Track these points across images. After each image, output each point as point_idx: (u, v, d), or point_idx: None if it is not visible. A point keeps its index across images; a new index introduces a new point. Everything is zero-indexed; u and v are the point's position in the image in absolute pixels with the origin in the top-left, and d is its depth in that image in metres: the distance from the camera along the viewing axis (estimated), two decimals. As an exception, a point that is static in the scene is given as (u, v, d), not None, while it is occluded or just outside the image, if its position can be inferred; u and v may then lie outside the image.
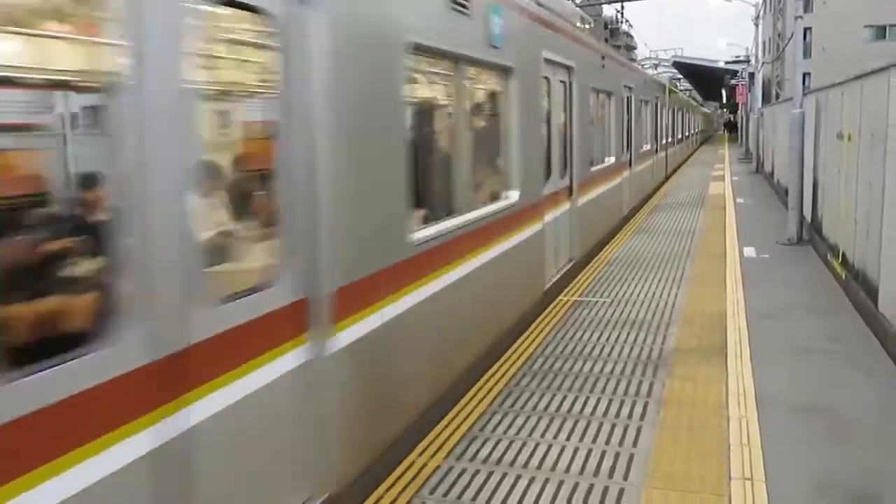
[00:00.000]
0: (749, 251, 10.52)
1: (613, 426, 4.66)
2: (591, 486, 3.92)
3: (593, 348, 6.27)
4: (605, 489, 3.89)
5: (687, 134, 33.27)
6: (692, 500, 3.76)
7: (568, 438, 4.50)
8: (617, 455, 4.26)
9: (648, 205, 16.36)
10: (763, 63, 34.88)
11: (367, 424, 3.80)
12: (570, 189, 8.70)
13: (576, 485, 3.94)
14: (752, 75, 35.96)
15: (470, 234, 5.30)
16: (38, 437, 2.08)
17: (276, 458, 3.11)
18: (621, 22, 42.33)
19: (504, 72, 6.25)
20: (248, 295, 2.98)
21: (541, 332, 6.77)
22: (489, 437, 4.54)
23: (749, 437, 4.45)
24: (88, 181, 2.87)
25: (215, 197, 3.11)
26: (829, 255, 9.17)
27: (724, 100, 68.17)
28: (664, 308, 7.51)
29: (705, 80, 59.72)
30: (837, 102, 8.78)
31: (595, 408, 4.96)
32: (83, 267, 2.59)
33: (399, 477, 4.05)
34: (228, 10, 3.00)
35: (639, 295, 8.09)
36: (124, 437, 2.33)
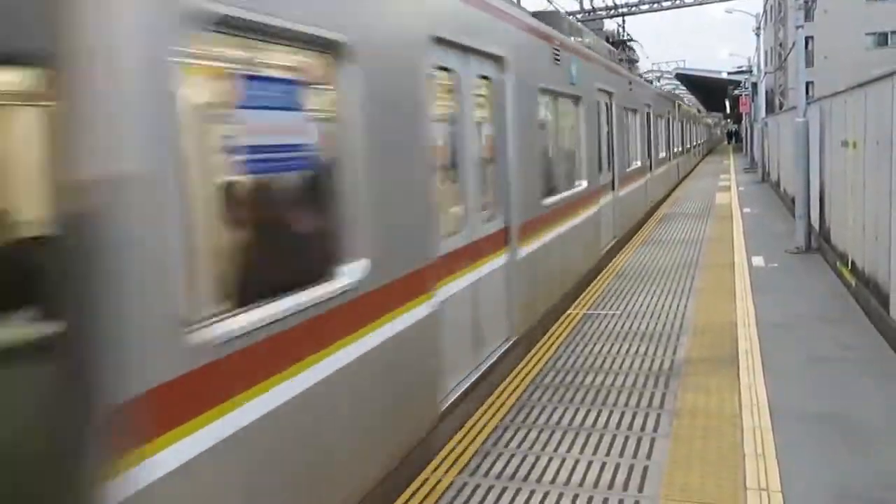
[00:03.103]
0: (757, 260, 10.49)
1: (627, 439, 4.64)
2: (605, 500, 3.90)
3: (604, 361, 6.26)
4: (620, 502, 3.87)
5: (691, 145, 33.37)
6: (708, 512, 3.74)
7: (581, 452, 4.49)
8: (631, 468, 4.25)
9: (656, 215, 16.37)
10: (765, 73, 34.94)
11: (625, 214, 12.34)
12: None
13: (590, 498, 3.92)
14: (755, 85, 36.02)
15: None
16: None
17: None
18: (623, 36, 42.39)
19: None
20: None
21: (551, 346, 6.77)
22: (502, 453, 4.53)
23: (764, 447, 4.43)
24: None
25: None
26: (838, 263, 9.14)
27: (728, 110, 68.27)
28: (674, 319, 7.49)
29: (708, 90, 59.82)
30: (841, 110, 8.80)
31: (608, 421, 4.95)
32: None
33: (413, 493, 4.05)
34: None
35: (648, 306, 8.08)
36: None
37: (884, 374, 5.63)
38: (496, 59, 5.84)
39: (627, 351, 6.50)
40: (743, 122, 47.87)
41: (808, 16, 13.79)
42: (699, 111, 45.09)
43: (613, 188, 11.45)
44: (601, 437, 4.70)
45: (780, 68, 30.93)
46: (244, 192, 3.10)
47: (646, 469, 4.22)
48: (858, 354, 6.15)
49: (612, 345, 6.72)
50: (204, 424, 2.61)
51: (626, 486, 4.03)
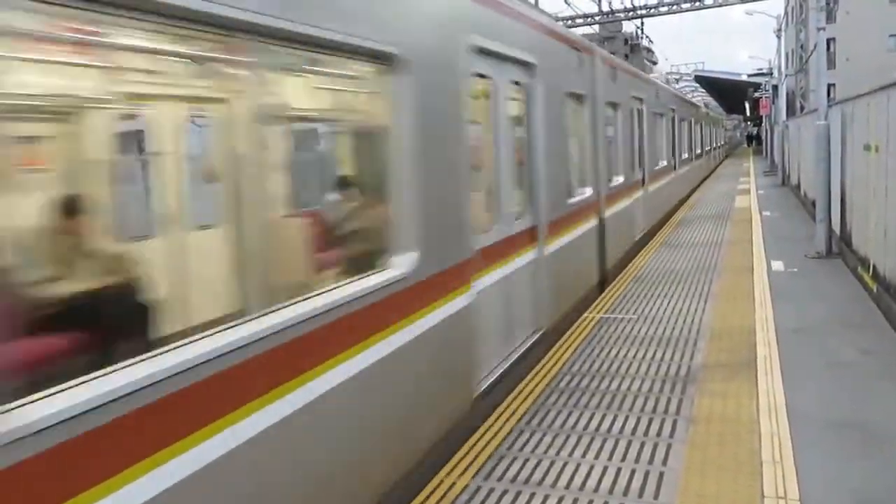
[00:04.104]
0: (777, 265, 10.39)
1: (642, 444, 4.61)
2: (621, 505, 3.88)
3: (620, 365, 6.22)
4: (636, 508, 3.85)
5: (707, 148, 33.22)
6: (725, 519, 3.71)
7: (596, 457, 4.47)
8: (647, 474, 4.22)
9: (674, 219, 16.30)
10: (786, 75, 34.62)
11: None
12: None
13: (605, 504, 3.91)
14: (775, 87, 35.69)
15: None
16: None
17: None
18: (641, 37, 42.14)
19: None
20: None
21: (567, 349, 6.74)
22: (517, 457, 4.52)
23: (782, 454, 4.38)
24: None
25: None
26: (859, 268, 9.03)
27: (748, 112, 67.71)
28: (691, 324, 7.44)
29: (728, 93, 59.37)
30: (863, 114, 8.69)
31: (623, 426, 4.92)
32: None
33: (428, 496, 4.05)
34: None
35: (665, 310, 8.03)
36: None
37: (905, 381, 5.55)
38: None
39: (644, 355, 6.47)
40: (763, 124, 47.46)
41: (830, 17, 13.70)
42: (707, 106, 44.97)
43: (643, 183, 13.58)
44: (617, 442, 4.67)
45: (801, 70, 30.64)
46: None
47: (661, 475, 4.19)
48: (879, 360, 6.06)
49: (629, 349, 6.68)
50: None
51: (641, 493, 4.00)
